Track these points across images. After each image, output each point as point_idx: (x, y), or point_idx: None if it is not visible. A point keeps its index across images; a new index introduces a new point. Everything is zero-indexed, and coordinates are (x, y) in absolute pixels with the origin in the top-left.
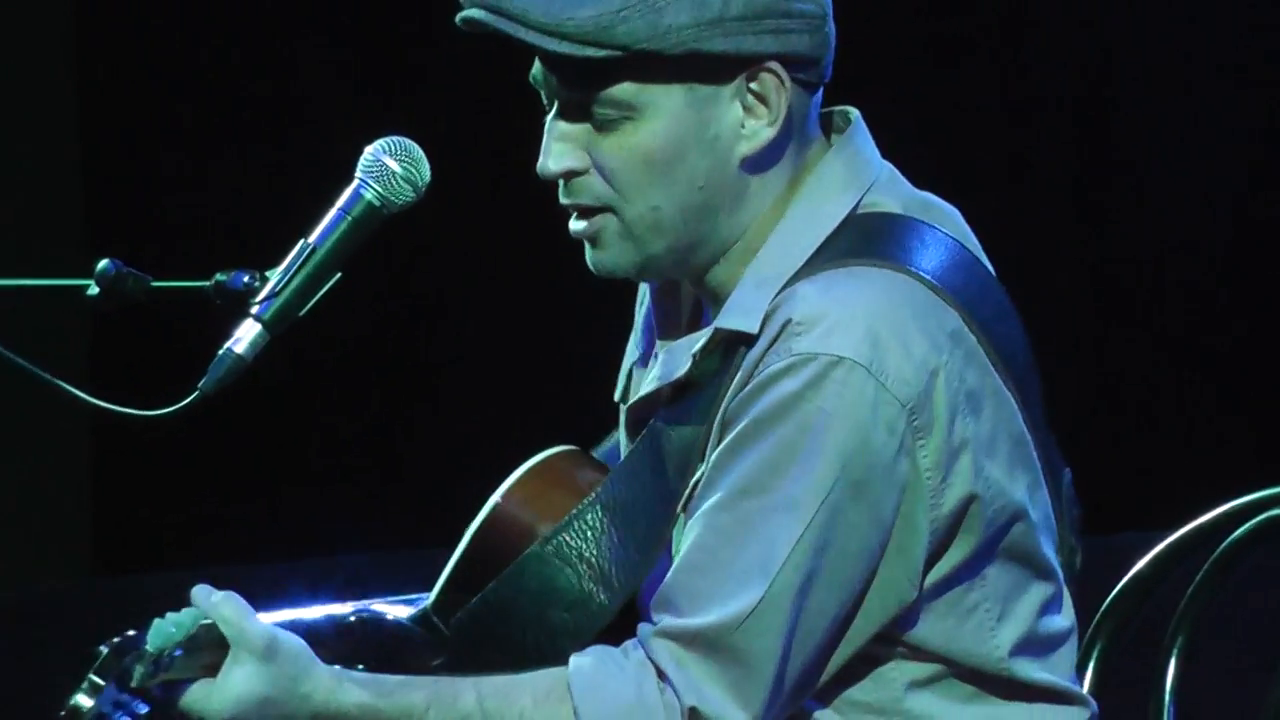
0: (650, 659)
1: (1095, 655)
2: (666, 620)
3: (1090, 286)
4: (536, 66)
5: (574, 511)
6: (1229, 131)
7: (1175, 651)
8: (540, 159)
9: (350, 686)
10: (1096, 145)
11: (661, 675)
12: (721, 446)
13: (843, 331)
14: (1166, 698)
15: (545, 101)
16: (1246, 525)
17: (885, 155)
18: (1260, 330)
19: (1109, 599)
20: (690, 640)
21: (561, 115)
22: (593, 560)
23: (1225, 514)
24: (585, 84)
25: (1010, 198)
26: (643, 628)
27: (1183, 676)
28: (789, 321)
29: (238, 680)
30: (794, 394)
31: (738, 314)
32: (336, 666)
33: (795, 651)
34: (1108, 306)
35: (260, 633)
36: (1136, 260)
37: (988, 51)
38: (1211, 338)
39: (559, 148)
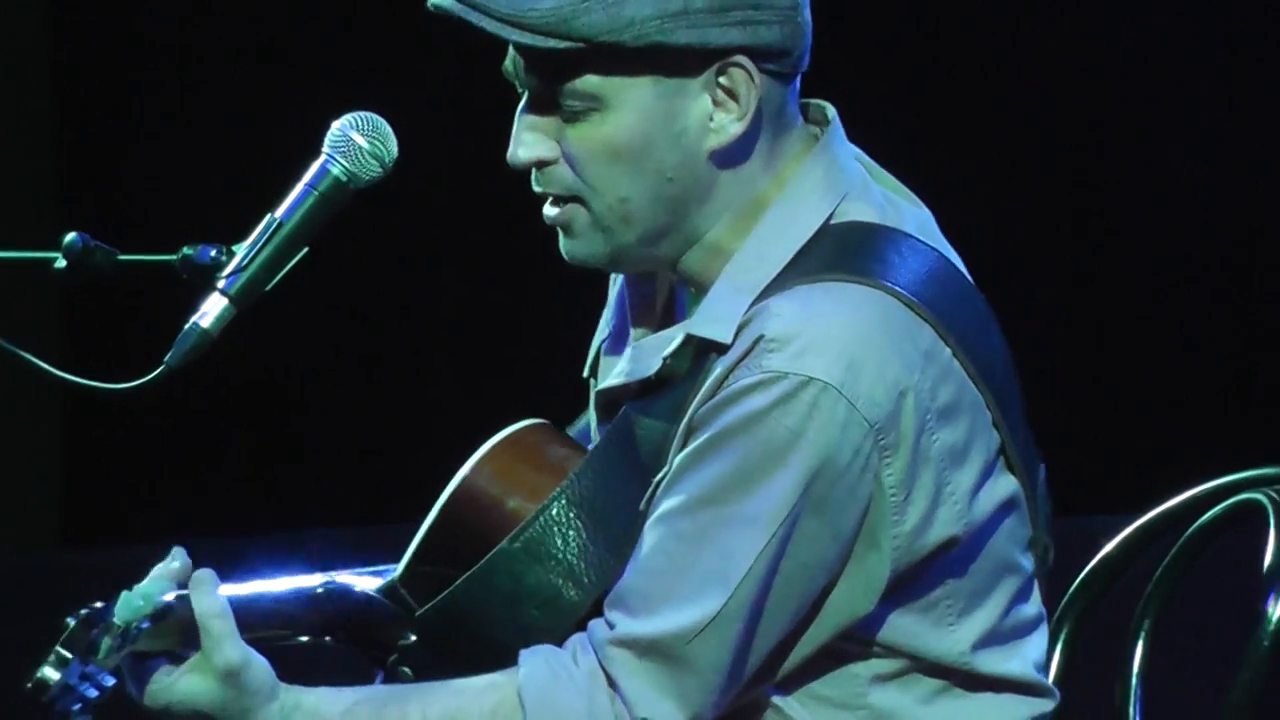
0: (602, 666)
1: (1062, 638)
2: (621, 624)
3: (1058, 268)
4: (509, 57)
5: (542, 506)
6: (1205, 128)
7: (1142, 634)
8: (510, 148)
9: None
10: (1076, 136)
11: (611, 683)
12: (685, 452)
13: (815, 352)
14: (1133, 681)
15: (519, 90)
16: (1215, 509)
17: (875, 158)
18: (1230, 314)
19: (1076, 582)
20: (644, 650)
21: (531, 105)
22: (561, 557)
23: (1193, 498)
24: (551, 75)
25: (986, 182)
26: (595, 628)
27: (1150, 659)
28: (762, 337)
29: (191, 685)
30: (762, 410)
31: (711, 321)
32: (293, 696)
33: (746, 661)
34: (1075, 288)
35: (229, 659)
36: (1106, 244)
37: (974, 55)
38: (1180, 321)
39: (528, 137)
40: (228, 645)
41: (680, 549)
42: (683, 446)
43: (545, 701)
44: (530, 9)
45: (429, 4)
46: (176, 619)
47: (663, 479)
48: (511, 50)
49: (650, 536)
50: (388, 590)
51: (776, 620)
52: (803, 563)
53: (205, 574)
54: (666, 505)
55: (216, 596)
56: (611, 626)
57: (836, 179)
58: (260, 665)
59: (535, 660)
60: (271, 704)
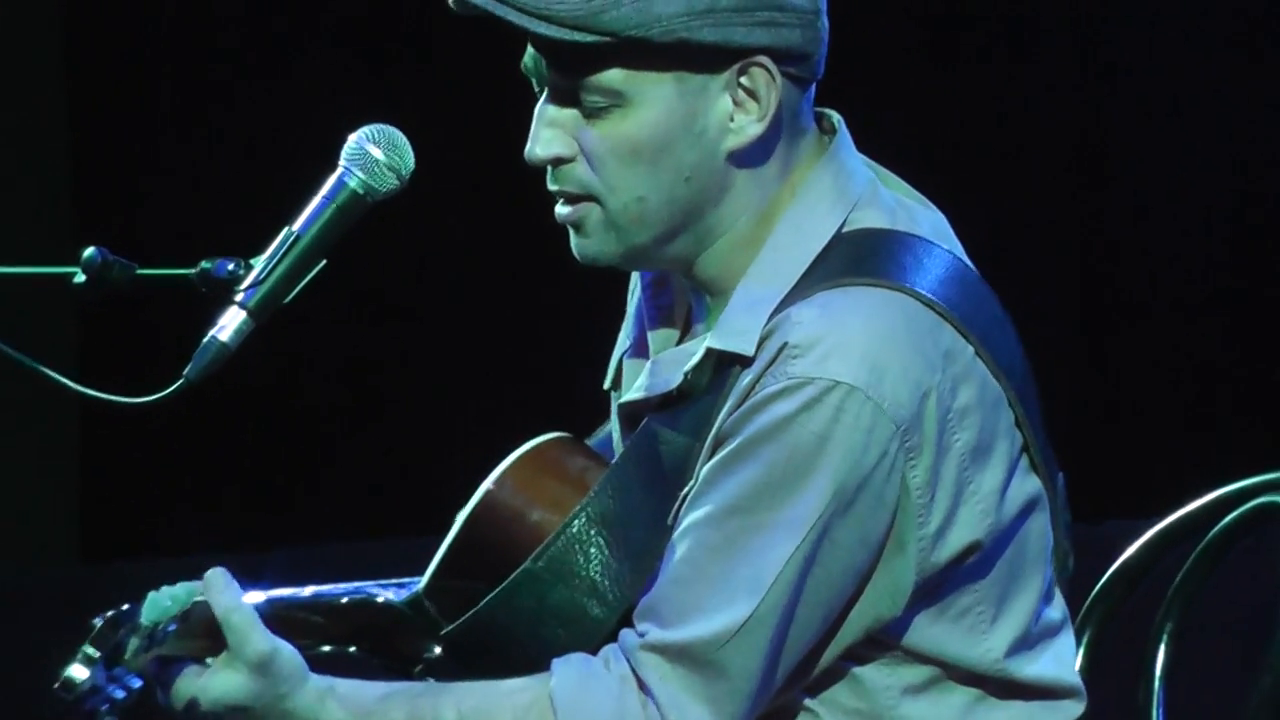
0: (634, 672)
1: (1085, 642)
2: (653, 632)
3: (1077, 274)
4: (528, 54)
5: (563, 523)
6: (1218, 132)
7: (1165, 637)
8: (528, 144)
9: (333, 706)
10: (1088, 142)
11: (643, 688)
12: (713, 462)
13: (839, 356)
14: (1156, 684)
15: (536, 90)
16: (1236, 512)
17: (882, 162)
18: (1249, 319)
19: (1098, 586)
20: (676, 655)
21: (551, 102)
22: (584, 575)
23: (1214, 501)
24: (575, 70)
25: (998, 189)
26: (626, 636)
27: (1172, 662)
28: (786, 345)
29: (225, 682)
30: (788, 416)
31: (731, 334)
32: (326, 681)
33: (777, 667)
34: (1095, 293)
35: (259, 650)
36: (1124, 248)
37: (985, 56)
38: (1200, 326)
39: (547, 134)
40: (254, 636)
41: (710, 559)
42: (711, 458)
43: (576, 704)
44: (558, 2)
45: (452, 1)
46: (199, 622)
47: (689, 492)
48: (530, 48)
49: (679, 547)
50: (412, 603)
51: (807, 626)
52: (832, 568)
53: (217, 572)
54: (695, 515)
55: (233, 591)
56: (642, 635)
57: (846, 187)
58: (289, 651)
59: (568, 665)
60: (305, 687)
